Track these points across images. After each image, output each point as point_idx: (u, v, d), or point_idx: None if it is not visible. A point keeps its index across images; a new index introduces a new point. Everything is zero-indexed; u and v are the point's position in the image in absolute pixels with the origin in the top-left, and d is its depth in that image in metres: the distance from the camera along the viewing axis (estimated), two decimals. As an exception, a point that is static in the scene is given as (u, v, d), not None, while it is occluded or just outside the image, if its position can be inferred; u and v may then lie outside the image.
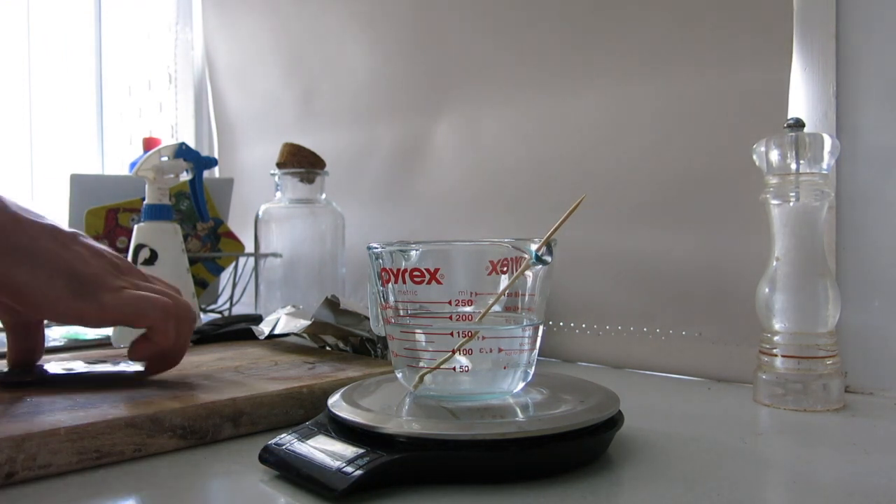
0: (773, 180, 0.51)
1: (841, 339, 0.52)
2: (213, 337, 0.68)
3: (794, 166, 0.50)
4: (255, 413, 0.43)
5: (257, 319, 0.71)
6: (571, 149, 0.73)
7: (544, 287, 0.39)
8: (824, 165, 0.50)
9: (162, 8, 1.58)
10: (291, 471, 0.34)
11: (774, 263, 0.52)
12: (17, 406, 0.40)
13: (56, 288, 0.42)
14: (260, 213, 0.88)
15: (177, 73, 1.46)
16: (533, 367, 0.40)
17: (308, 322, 0.61)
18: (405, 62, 0.92)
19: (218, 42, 1.29)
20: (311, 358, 0.58)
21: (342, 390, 0.41)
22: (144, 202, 0.75)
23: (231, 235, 1.04)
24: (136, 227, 0.74)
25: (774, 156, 0.51)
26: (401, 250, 0.38)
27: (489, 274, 0.37)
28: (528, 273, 0.38)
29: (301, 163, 0.85)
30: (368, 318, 0.46)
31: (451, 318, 0.37)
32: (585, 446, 0.36)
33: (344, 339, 0.64)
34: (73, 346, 0.73)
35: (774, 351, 0.51)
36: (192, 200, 0.82)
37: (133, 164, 1.19)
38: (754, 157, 0.53)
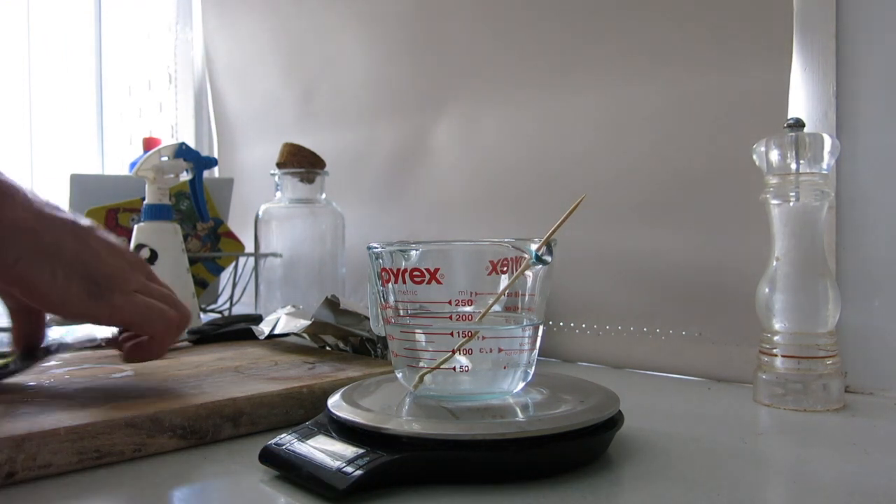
0: (773, 180, 0.51)
1: (841, 339, 0.52)
2: (213, 337, 0.68)
3: (794, 166, 0.50)
4: (255, 413, 0.43)
5: (257, 319, 0.71)
6: (571, 149, 0.73)
7: (544, 287, 0.39)
8: (824, 165, 0.50)
9: (162, 8, 1.58)
10: (291, 471, 0.34)
11: (774, 263, 0.52)
12: (17, 406, 0.40)
13: (73, 288, 0.42)
14: (260, 213, 0.88)
15: (177, 73, 1.46)
16: (533, 367, 0.40)
17: (308, 322, 0.61)
18: (405, 62, 0.92)
19: (218, 42, 1.29)
20: (311, 358, 0.58)
21: (342, 390, 0.41)
22: (144, 202, 0.75)
23: (231, 235, 1.04)
24: (136, 227, 0.74)
25: (774, 156, 0.51)
26: (401, 250, 0.38)
27: (489, 274, 0.37)
28: (528, 273, 0.38)
29: (301, 163, 0.85)
30: (368, 318, 0.46)
31: (451, 318, 0.37)
32: (585, 446, 0.36)
33: (344, 339, 0.64)
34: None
35: (774, 351, 0.51)
36: (192, 200, 0.82)
37: (133, 164, 1.19)
38: (754, 157, 0.53)
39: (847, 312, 0.54)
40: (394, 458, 0.33)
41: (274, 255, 0.87)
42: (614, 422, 0.38)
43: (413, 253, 0.38)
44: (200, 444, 0.41)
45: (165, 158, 0.76)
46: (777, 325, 0.51)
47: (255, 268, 0.90)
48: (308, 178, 0.86)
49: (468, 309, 0.37)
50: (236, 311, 1.00)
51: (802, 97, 0.58)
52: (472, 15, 0.83)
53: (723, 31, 0.62)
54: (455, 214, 0.85)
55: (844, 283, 0.56)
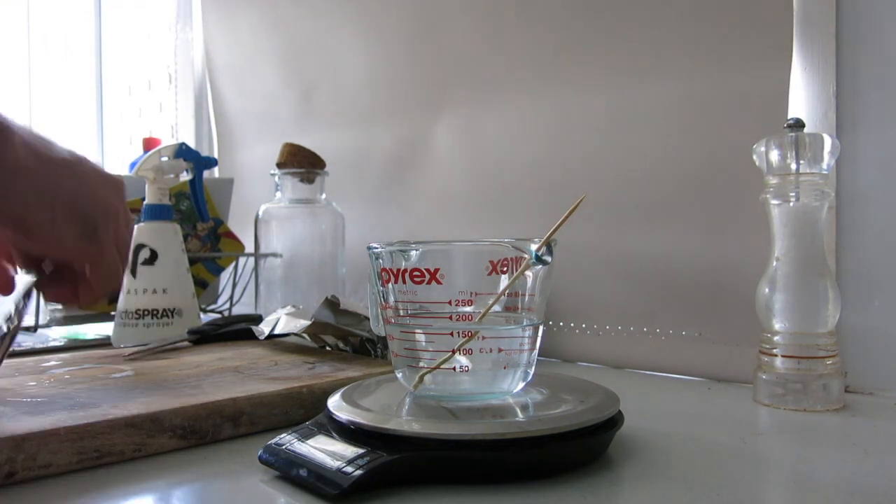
0: (773, 180, 0.51)
1: (841, 339, 0.52)
2: (213, 337, 0.68)
3: (794, 166, 0.50)
4: (255, 413, 0.43)
5: (257, 319, 0.71)
6: (571, 149, 0.73)
7: (544, 287, 0.39)
8: (824, 165, 0.50)
9: (162, 8, 1.58)
10: (291, 471, 0.34)
11: (774, 263, 0.52)
12: (17, 406, 0.40)
13: (70, 230, 0.43)
14: (260, 213, 0.88)
15: (177, 73, 1.46)
16: (533, 367, 0.40)
17: (308, 322, 0.61)
18: (405, 62, 0.92)
19: (218, 42, 1.29)
20: (311, 358, 0.58)
21: (342, 390, 0.41)
22: (144, 202, 0.75)
23: (231, 235, 1.04)
24: (136, 227, 0.74)
25: (774, 156, 0.51)
26: (401, 250, 0.38)
27: (489, 274, 0.37)
28: (528, 273, 0.38)
29: (301, 163, 0.85)
30: (368, 318, 0.46)
31: (451, 318, 0.37)
32: (585, 446, 0.36)
33: (344, 339, 0.64)
34: (74, 346, 0.74)
35: (774, 351, 0.51)
36: (192, 200, 0.82)
37: (133, 164, 1.19)
38: (754, 157, 0.53)
39: (847, 312, 0.54)
40: (394, 458, 0.33)
41: (274, 255, 0.87)
42: (614, 422, 0.38)
43: (413, 253, 0.38)
44: (200, 444, 0.41)
45: (165, 158, 0.76)
46: (777, 325, 0.51)
47: (255, 268, 0.90)
48: (308, 178, 0.86)
49: (468, 309, 0.37)
50: (236, 311, 1.00)
51: (802, 97, 0.58)
52: (472, 15, 0.83)
53: (723, 31, 0.62)
54: (455, 214, 0.85)
55: (844, 283, 0.56)
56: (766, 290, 0.51)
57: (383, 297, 0.40)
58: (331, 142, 1.00)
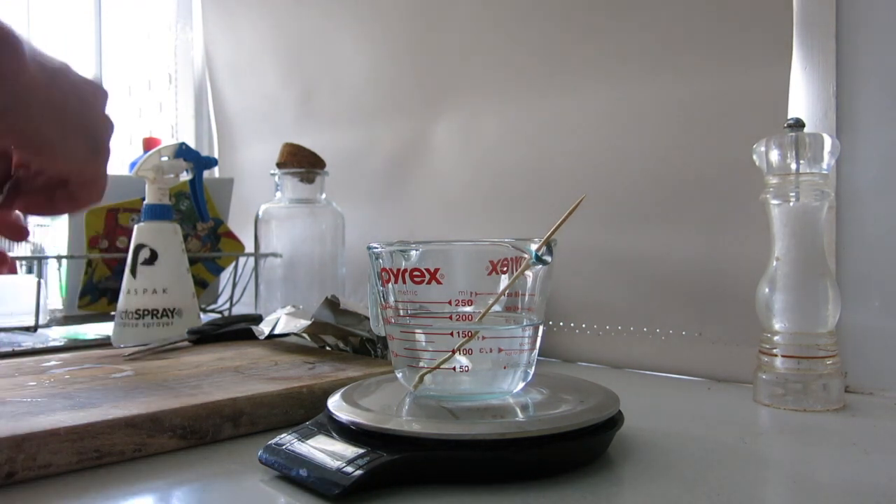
0: (773, 180, 0.51)
1: (841, 339, 0.52)
2: (213, 337, 0.68)
3: (794, 166, 0.50)
4: (255, 413, 0.43)
5: (257, 319, 0.71)
6: (571, 149, 0.73)
7: (544, 287, 0.39)
8: (824, 165, 0.50)
9: (162, 8, 1.58)
10: (291, 471, 0.34)
11: (774, 263, 0.52)
12: (17, 406, 0.40)
13: (79, 145, 0.42)
14: (260, 213, 0.88)
15: (177, 73, 1.46)
16: (533, 367, 0.40)
17: (308, 322, 0.61)
18: (405, 62, 0.92)
19: (218, 42, 1.29)
20: (311, 358, 0.58)
21: (342, 390, 0.41)
22: (144, 202, 0.75)
23: (231, 235, 1.04)
24: (136, 227, 0.74)
25: (774, 156, 0.51)
26: (401, 250, 0.38)
27: (489, 274, 0.37)
28: (528, 273, 0.38)
29: (301, 163, 0.85)
30: (368, 318, 0.46)
31: (451, 318, 0.37)
32: (585, 446, 0.36)
33: (344, 339, 0.64)
34: (74, 346, 0.74)
35: (774, 351, 0.51)
36: (192, 200, 0.82)
37: (133, 164, 1.19)
38: (754, 157, 0.53)
39: (847, 312, 0.54)
40: (394, 458, 0.33)
41: (274, 255, 0.87)
42: (614, 422, 0.38)
43: (413, 253, 0.38)
44: (200, 444, 0.41)
45: (165, 158, 0.76)
46: (777, 325, 0.51)
47: (255, 268, 0.90)
48: (308, 178, 0.86)
49: (468, 309, 0.37)
50: (236, 311, 1.00)
51: (802, 97, 0.58)
52: (472, 15, 0.83)
53: (723, 31, 0.62)
54: (455, 214, 0.85)
55: (844, 283, 0.56)
56: (766, 290, 0.51)
57: (383, 297, 0.40)
58: (331, 142, 1.00)
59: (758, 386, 0.52)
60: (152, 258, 0.73)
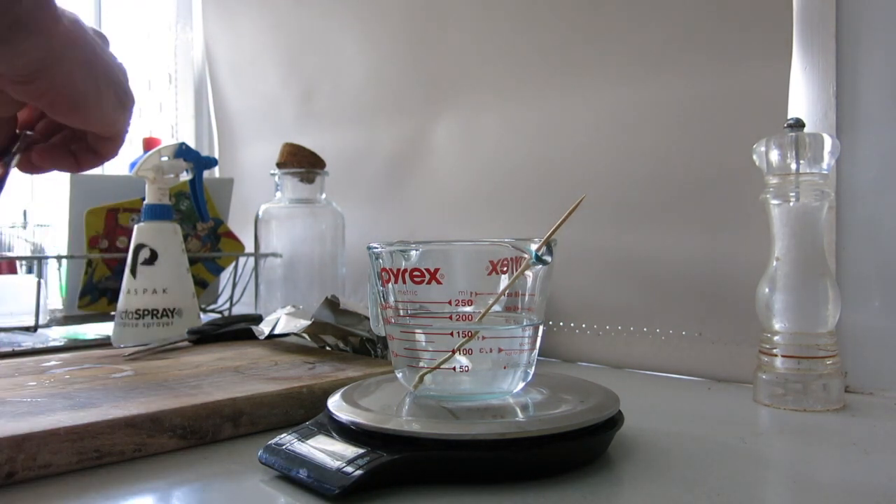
0: (773, 180, 0.51)
1: (841, 339, 0.52)
2: (213, 337, 0.68)
3: (794, 166, 0.50)
4: (255, 413, 0.43)
5: (257, 319, 0.71)
6: (571, 149, 0.73)
7: (544, 287, 0.39)
8: (824, 165, 0.50)
9: (162, 8, 1.58)
10: (291, 471, 0.34)
11: (774, 263, 0.52)
12: (17, 406, 0.40)
13: (111, 101, 0.41)
14: (260, 213, 0.88)
15: (177, 73, 1.46)
16: (533, 367, 0.40)
17: (308, 322, 0.61)
18: (405, 62, 0.92)
19: (218, 42, 1.29)
20: (311, 358, 0.58)
21: (342, 390, 0.41)
22: (144, 202, 0.75)
23: (231, 235, 1.04)
24: (136, 227, 0.74)
25: (774, 156, 0.51)
26: (401, 250, 0.38)
27: (489, 274, 0.37)
28: (528, 273, 0.38)
29: (301, 163, 0.85)
30: (368, 318, 0.46)
31: (451, 318, 0.37)
32: (585, 446, 0.36)
33: (344, 339, 0.64)
34: (74, 346, 0.74)
35: (774, 351, 0.51)
36: (192, 200, 0.82)
37: (133, 164, 1.19)
38: (754, 157, 0.53)
39: (847, 312, 0.54)
40: (394, 458, 0.33)
41: (274, 255, 0.87)
42: (614, 422, 0.38)
43: (413, 253, 0.38)
44: (200, 444, 0.41)
45: (165, 158, 0.76)
46: (777, 325, 0.51)
47: (255, 268, 0.90)
48: (308, 178, 0.86)
49: (468, 309, 0.37)
50: (236, 311, 1.00)
51: (802, 97, 0.58)
52: (472, 15, 0.83)
53: (723, 31, 0.62)
54: (455, 214, 0.85)
55: (844, 283, 0.56)
56: (766, 290, 0.51)
57: (383, 297, 0.40)
58: (331, 142, 1.00)
59: (758, 386, 0.52)
60: (152, 258, 0.73)
